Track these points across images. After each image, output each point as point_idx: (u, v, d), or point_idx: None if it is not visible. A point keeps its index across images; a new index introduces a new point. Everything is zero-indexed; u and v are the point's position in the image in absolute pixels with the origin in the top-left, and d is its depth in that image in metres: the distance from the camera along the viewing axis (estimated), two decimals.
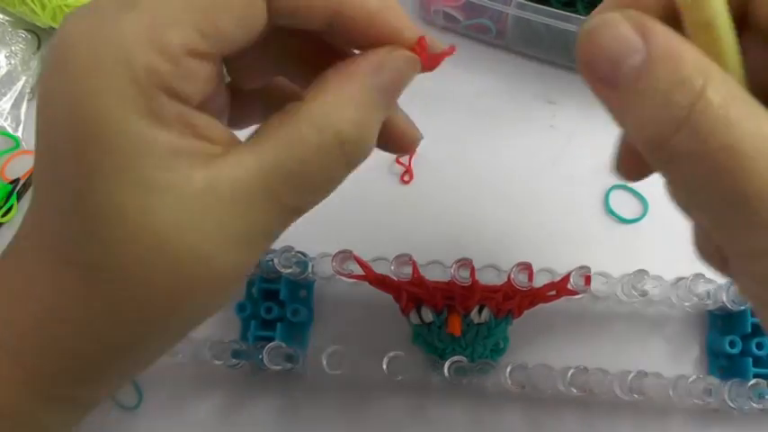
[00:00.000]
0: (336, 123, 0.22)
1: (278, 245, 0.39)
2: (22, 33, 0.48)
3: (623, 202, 0.41)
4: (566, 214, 0.41)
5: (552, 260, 0.38)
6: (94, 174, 0.20)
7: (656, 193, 0.30)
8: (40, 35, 0.49)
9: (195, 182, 0.20)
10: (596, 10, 0.22)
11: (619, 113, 0.21)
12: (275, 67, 0.26)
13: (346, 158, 0.22)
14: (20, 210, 0.43)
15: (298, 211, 0.23)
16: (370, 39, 0.24)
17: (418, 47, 0.24)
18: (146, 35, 0.19)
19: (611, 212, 0.41)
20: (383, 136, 0.24)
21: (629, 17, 0.20)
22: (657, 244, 0.40)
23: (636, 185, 0.41)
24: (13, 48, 0.48)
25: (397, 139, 0.27)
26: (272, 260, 0.36)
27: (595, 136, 0.27)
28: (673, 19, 0.20)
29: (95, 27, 0.19)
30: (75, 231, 0.20)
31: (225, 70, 0.25)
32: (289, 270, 0.37)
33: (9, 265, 0.23)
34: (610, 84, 0.20)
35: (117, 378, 0.25)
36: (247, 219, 0.21)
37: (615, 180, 0.34)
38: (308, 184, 0.22)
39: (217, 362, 0.35)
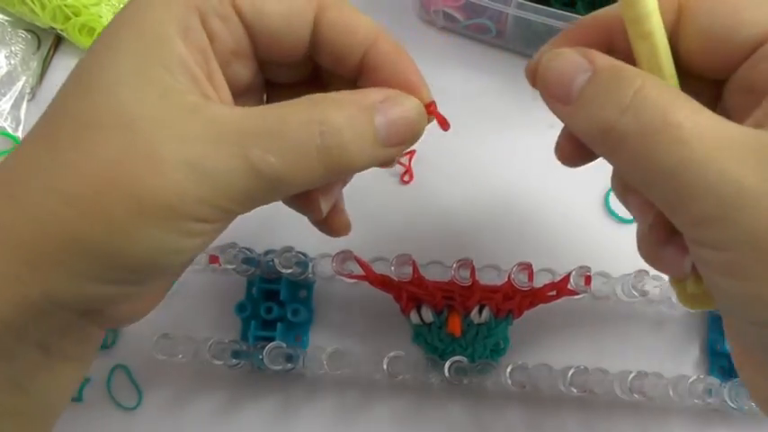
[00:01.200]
0: (325, 112, 0.23)
1: (278, 245, 0.39)
2: (22, 33, 0.48)
3: None
4: (566, 214, 0.41)
5: (552, 260, 0.38)
6: (112, 42, 0.23)
7: None
8: (39, 35, 0.49)
9: (185, 98, 0.23)
10: (545, 47, 0.27)
11: (573, 122, 0.24)
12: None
13: (320, 150, 0.23)
14: None
15: (258, 175, 0.22)
16: (391, 84, 0.26)
17: (427, 108, 0.27)
18: None
19: (611, 212, 0.41)
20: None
21: (577, 49, 0.24)
22: None
23: None
24: (12, 48, 0.48)
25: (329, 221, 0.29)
26: (273, 260, 0.36)
27: None
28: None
29: None
30: (69, 83, 0.23)
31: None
32: (289, 270, 0.37)
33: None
34: (565, 100, 0.24)
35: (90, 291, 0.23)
36: (210, 152, 0.22)
37: None
38: (278, 150, 0.22)
39: (217, 362, 0.35)
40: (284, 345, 0.35)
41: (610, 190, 0.41)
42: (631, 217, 0.41)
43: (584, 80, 0.23)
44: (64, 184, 0.22)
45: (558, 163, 0.29)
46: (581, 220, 0.41)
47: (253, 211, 0.29)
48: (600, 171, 0.29)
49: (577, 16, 0.40)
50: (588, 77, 0.23)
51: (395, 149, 0.25)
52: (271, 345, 0.35)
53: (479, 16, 0.44)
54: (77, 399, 0.38)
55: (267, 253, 0.38)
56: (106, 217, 0.22)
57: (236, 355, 0.36)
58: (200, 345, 0.36)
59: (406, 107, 0.25)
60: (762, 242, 0.20)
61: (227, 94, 0.25)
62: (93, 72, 0.23)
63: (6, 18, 0.49)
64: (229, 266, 0.37)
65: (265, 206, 0.26)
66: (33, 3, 0.46)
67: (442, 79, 0.45)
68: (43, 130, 0.23)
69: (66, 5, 0.46)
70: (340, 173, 0.24)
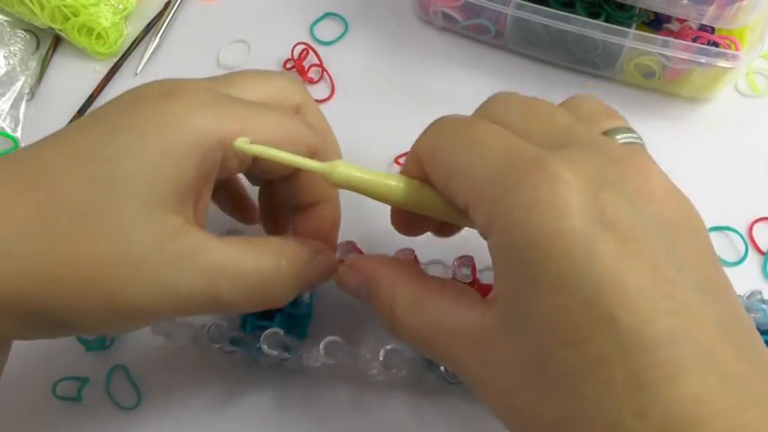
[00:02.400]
0: (281, 263, 0.29)
1: None
2: (21, 33, 0.48)
3: None
4: None
5: None
6: (136, 141, 0.26)
7: None
8: (38, 35, 0.49)
9: (173, 220, 0.26)
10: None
11: None
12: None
13: (267, 292, 0.28)
14: None
15: (217, 302, 0.27)
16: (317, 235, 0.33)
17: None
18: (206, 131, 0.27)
19: None
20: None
21: (348, 265, 0.30)
22: None
23: None
24: (11, 48, 0.48)
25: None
26: None
27: None
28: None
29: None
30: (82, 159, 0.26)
31: None
32: None
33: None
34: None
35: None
36: (185, 277, 0.26)
37: None
38: (239, 287, 0.27)
39: (214, 345, 0.35)
40: (281, 331, 0.35)
41: None
42: None
43: (366, 292, 0.29)
44: (51, 267, 0.24)
45: None
46: None
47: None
48: None
49: (576, 17, 0.40)
50: (367, 291, 0.28)
51: (309, 288, 0.32)
52: (269, 330, 0.35)
53: (478, 16, 0.44)
54: (76, 399, 0.38)
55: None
56: (80, 304, 0.25)
57: (233, 341, 0.36)
58: (199, 330, 0.36)
59: (329, 264, 0.32)
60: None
61: (204, 212, 0.29)
62: (106, 164, 0.25)
63: (5, 18, 0.49)
64: None
65: None
66: (32, 3, 0.46)
67: (441, 79, 0.46)
68: (38, 197, 0.25)
69: (65, 6, 0.46)
70: (269, 306, 0.30)
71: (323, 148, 0.31)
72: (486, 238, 0.24)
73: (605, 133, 0.26)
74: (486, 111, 0.28)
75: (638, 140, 0.26)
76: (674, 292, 0.20)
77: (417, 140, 0.28)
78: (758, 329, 0.35)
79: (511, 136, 0.24)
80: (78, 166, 0.25)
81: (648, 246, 0.21)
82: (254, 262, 0.28)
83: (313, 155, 0.30)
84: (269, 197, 0.37)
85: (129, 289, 0.25)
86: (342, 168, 0.27)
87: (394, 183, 0.27)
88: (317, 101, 0.45)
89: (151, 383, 0.38)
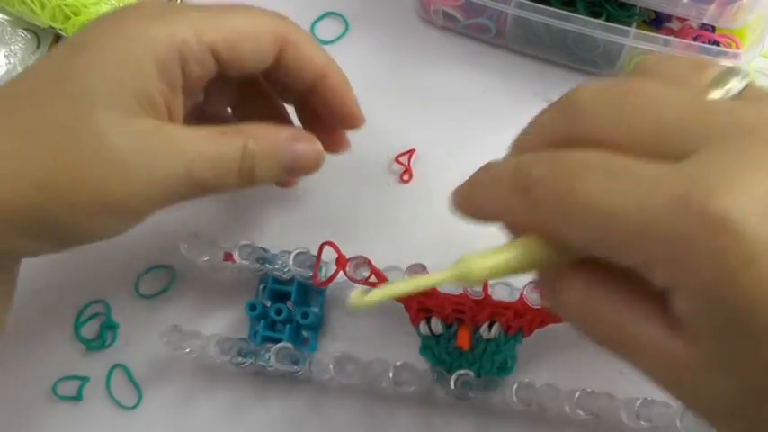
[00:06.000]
0: (248, 140, 0.30)
1: (292, 246, 0.38)
2: (22, 33, 0.48)
3: None
4: None
5: None
6: (97, 60, 0.28)
7: None
8: (39, 35, 0.49)
9: (147, 121, 0.29)
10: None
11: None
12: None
13: (240, 170, 0.30)
14: None
15: (194, 184, 0.29)
16: (336, 111, 0.35)
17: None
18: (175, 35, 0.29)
19: None
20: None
21: None
22: None
23: None
24: (12, 47, 0.48)
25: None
26: (287, 261, 0.36)
27: None
28: None
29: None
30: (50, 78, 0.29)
31: None
32: (301, 270, 0.37)
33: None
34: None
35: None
36: (164, 164, 0.28)
37: None
38: (212, 169, 0.30)
39: (223, 357, 0.35)
40: (292, 346, 0.35)
41: None
42: None
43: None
44: (40, 173, 0.27)
45: None
46: None
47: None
48: None
49: (577, 16, 0.40)
50: None
51: (294, 175, 0.34)
52: (279, 345, 0.35)
53: (479, 16, 0.44)
54: (77, 398, 0.38)
55: (282, 254, 0.38)
56: (72, 205, 0.27)
57: (242, 353, 0.35)
58: (209, 340, 0.36)
59: (309, 148, 0.33)
60: None
61: (179, 118, 0.31)
62: (76, 79, 0.28)
63: (6, 17, 0.49)
64: (245, 262, 0.37)
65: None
66: (33, 2, 0.46)
67: (442, 79, 0.46)
68: (21, 118, 0.28)
69: (65, 5, 0.46)
70: (251, 185, 0.31)
71: (294, 36, 0.32)
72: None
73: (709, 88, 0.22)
74: (577, 125, 0.24)
75: (743, 81, 0.22)
76: None
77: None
78: None
79: (635, 172, 0.20)
80: (53, 86, 0.28)
81: None
82: (223, 143, 0.30)
83: (283, 45, 0.32)
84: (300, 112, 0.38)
85: (113, 184, 0.28)
86: (476, 265, 0.22)
87: (530, 246, 0.22)
88: None
89: (152, 383, 0.38)
